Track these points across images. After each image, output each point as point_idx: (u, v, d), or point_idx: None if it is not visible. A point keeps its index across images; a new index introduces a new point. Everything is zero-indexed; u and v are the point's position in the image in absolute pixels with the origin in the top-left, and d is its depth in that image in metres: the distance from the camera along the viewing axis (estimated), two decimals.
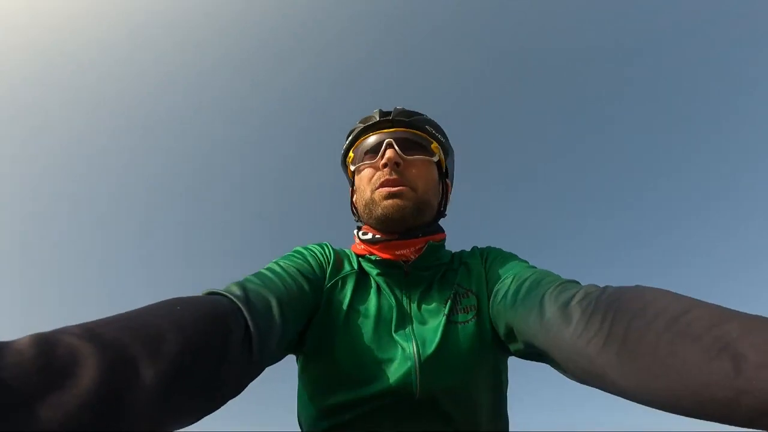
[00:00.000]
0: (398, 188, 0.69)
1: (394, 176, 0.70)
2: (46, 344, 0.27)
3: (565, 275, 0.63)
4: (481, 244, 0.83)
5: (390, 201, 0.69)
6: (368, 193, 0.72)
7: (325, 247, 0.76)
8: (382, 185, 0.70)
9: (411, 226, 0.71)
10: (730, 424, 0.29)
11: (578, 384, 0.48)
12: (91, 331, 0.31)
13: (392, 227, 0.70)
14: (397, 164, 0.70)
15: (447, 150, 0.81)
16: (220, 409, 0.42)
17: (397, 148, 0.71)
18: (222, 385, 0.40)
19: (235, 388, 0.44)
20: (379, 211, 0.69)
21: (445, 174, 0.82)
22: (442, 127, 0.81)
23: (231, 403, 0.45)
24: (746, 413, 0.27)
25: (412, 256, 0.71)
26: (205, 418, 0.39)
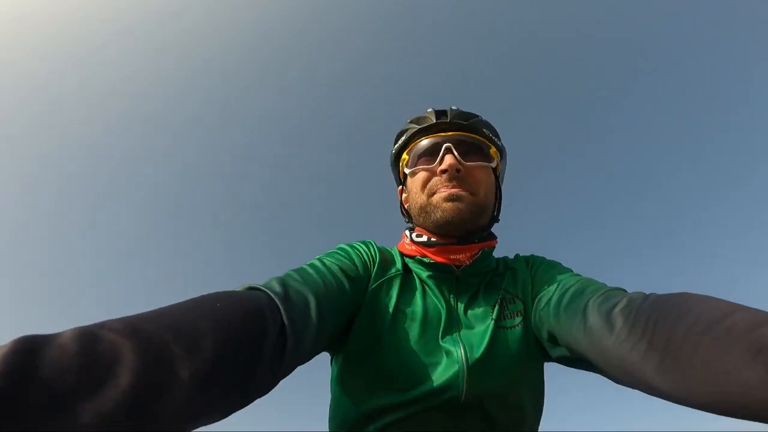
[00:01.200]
0: (458, 190, 0.67)
1: (454, 182, 0.68)
2: (89, 340, 0.28)
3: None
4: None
5: (450, 204, 0.67)
6: (425, 198, 0.70)
7: (370, 246, 0.75)
8: (441, 190, 0.68)
9: (469, 231, 0.70)
10: None
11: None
12: (132, 327, 0.31)
13: (450, 231, 0.69)
14: (457, 170, 0.68)
15: (503, 154, 0.79)
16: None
17: (456, 153, 0.69)
18: (254, 383, 0.41)
19: (267, 386, 0.44)
20: (438, 214, 0.67)
21: (498, 178, 0.79)
22: (496, 129, 0.78)
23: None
24: None
25: (467, 262, 0.70)
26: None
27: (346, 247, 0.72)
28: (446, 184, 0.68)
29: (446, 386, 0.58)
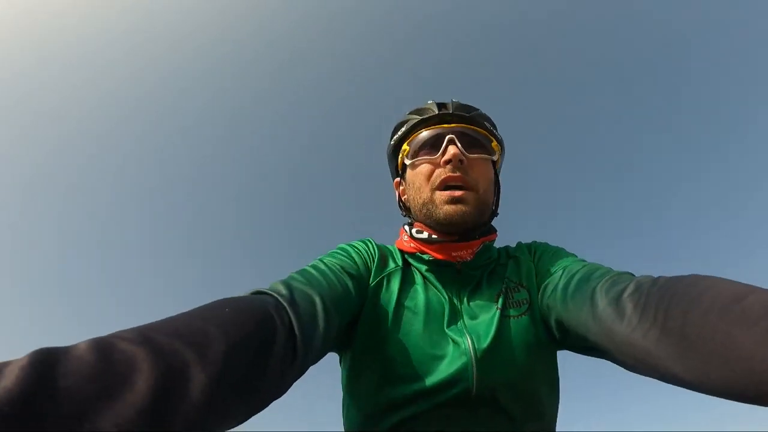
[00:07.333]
0: (461, 192, 0.66)
1: (458, 174, 0.67)
2: (104, 350, 0.29)
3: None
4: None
5: (453, 206, 0.66)
6: (427, 193, 0.69)
7: (369, 244, 0.76)
8: (444, 185, 0.67)
9: (470, 228, 0.69)
10: None
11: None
12: (144, 336, 0.32)
13: (452, 230, 0.68)
14: (460, 161, 0.67)
15: (503, 147, 0.78)
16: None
17: (459, 145, 0.68)
18: (267, 386, 0.41)
19: (280, 388, 0.45)
20: (441, 214, 0.67)
21: (497, 172, 0.78)
22: (495, 123, 0.78)
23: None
24: None
25: (468, 258, 0.69)
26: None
27: (346, 247, 0.73)
28: (450, 175, 0.67)
29: (456, 378, 0.58)
